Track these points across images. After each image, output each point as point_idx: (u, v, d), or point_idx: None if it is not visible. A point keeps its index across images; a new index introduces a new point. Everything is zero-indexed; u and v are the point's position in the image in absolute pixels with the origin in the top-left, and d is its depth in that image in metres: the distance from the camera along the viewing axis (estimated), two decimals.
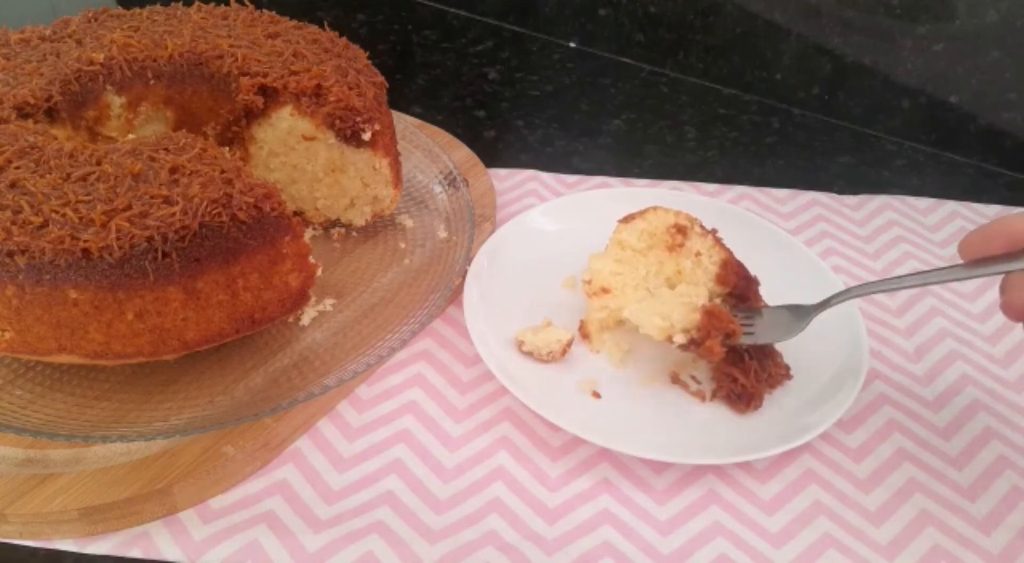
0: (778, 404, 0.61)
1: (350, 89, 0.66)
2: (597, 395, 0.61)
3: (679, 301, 0.60)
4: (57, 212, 0.52)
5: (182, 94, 0.69)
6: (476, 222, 0.73)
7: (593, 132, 0.94)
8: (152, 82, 0.68)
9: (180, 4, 0.75)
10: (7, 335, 0.53)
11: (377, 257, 0.72)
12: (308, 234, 0.73)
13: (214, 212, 0.53)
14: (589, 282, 0.65)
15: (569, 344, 0.63)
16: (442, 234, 0.73)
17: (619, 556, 0.53)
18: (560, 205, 0.76)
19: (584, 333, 0.65)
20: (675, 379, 0.62)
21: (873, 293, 0.59)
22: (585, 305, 0.65)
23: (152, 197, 0.53)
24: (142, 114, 0.69)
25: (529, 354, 0.63)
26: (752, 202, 0.83)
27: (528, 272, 0.71)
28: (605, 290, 0.64)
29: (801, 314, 0.61)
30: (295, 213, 0.73)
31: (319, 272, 0.61)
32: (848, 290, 0.60)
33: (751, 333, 0.60)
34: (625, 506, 0.56)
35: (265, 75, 0.66)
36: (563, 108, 0.98)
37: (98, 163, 0.56)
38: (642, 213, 0.65)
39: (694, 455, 0.56)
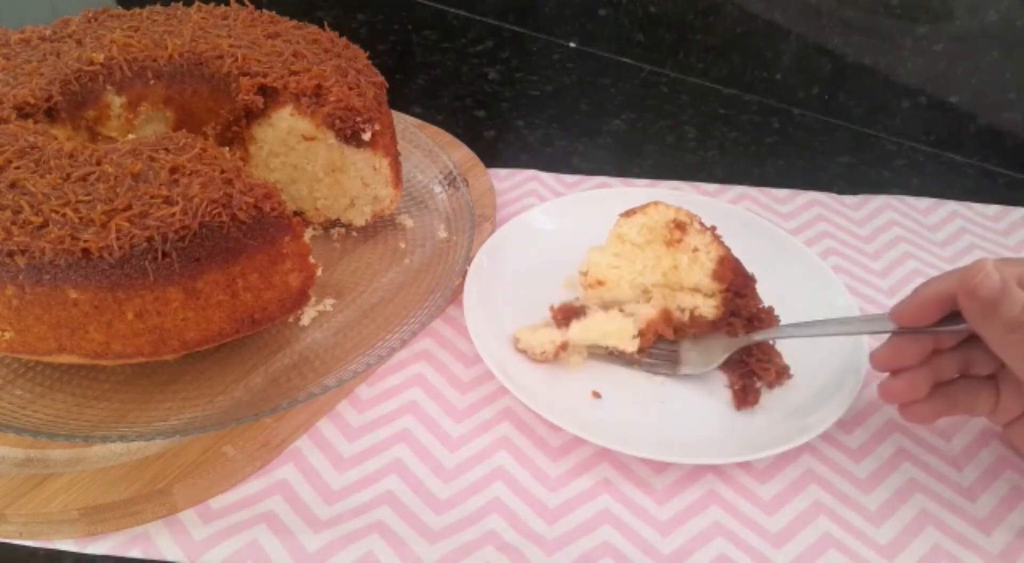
0: (778, 404, 0.61)
1: (350, 89, 0.66)
2: (597, 395, 0.61)
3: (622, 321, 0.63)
4: (57, 212, 0.52)
5: (182, 94, 0.69)
6: (476, 222, 0.73)
7: (593, 132, 0.94)
8: (152, 82, 0.68)
9: (180, 4, 0.75)
10: (7, 335, 0.53)
11: (377, 257, 0.72)
12: (308, 234, 0.73)
13: (214, 212, 0.53)
14: (586, 273, 0.65)
15: (563, 347, 0.63)
16: (442, 234, 0.73)
17: (619, 556, 0.53)
18: (560, 205, 0.76)
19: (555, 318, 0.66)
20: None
21: (792, 337, 0.61)
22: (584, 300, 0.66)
23: (152, 197, 0.53)
24: (142, 114, 0.69)
25: (523, 352, 0.63)
26: (752, 202, 0.83)
27: (528, 272, 0.71)
28: (600, 282, 0.64)
29: (725, 347, 0.63)
30: (295, 213, 0.73)
31: (319, 272, 0.61)
32: (768, 330, 0.62)
33: (675, 362, 0.63)
34: (625, 506, 0.56)
35: (265, 75, 0.66)
36: (563, 108, 0.98)
37: (98, 163, 0.56)
38: (643, 208, 0.65)
39: (694, 455, 0.56)
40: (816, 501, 0.56)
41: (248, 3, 0.76)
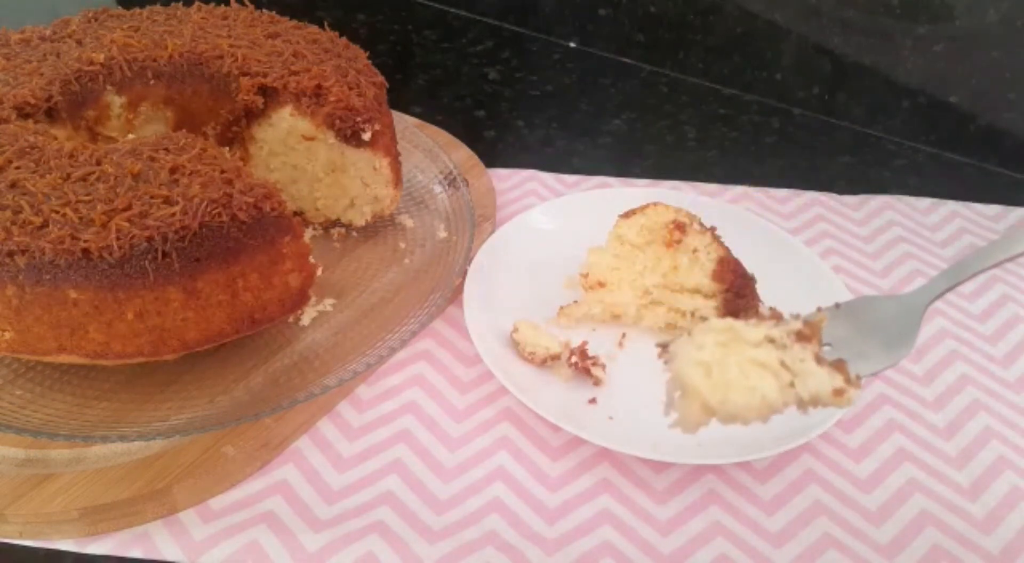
0: None
1: (350, 89, 0.66)
2: (595, 390, 0.61)
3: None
4: (57, 212, 0.52)
5: (182, 94, 0.69)
6: (476, 222, 0.73)
7: (593, 132, 0.94)
8: (152, 82, 0.68)
9: (180, 4, 0.75)
10: (7, 335, 0.53)
11: (377, 257, 0.72)
12: (308, 234, 0.73)
13: (214, 212, 0.53)
14: (586, 276, 0.65)
15: (553, 359, 0.62)
16: (442, 234, 0.73)
17: (619, 556, 0.53)
18: (560, 205, 0.76)
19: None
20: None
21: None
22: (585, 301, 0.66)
23: (152, 197, 0.53)
24: (142, 114, 0.69)
25: (516, 343, 0.63)
26: (752, 202, 0.83)
27: (528, 272, 0.71)
28: (601, 284, 0.64)
29: (904, 313, 0.41)
30: (295, 213, 0.73)
31: (319, 272, 0.61)
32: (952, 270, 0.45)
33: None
34: (625, 506, 0.55)
35: (265, 75, 0.66)
36: (563, 108, 0.98)
37: (98, 163, 0.56)
38: (642, 209, 0.65)
39: (694, 455, 0.56)
40: (816, 501, 0.56)
41: (248, 3, 0.76)
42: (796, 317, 0.38)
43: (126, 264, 0.51)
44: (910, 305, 0.41)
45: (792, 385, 0.36)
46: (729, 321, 0.38)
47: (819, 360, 0.37)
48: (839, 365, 0.36)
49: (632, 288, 0.65)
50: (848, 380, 0.36)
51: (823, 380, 0.36)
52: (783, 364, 0.37)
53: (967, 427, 0.61)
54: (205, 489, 0.54)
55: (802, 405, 0.37)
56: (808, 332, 0.37)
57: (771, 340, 0.37)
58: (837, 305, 0.42)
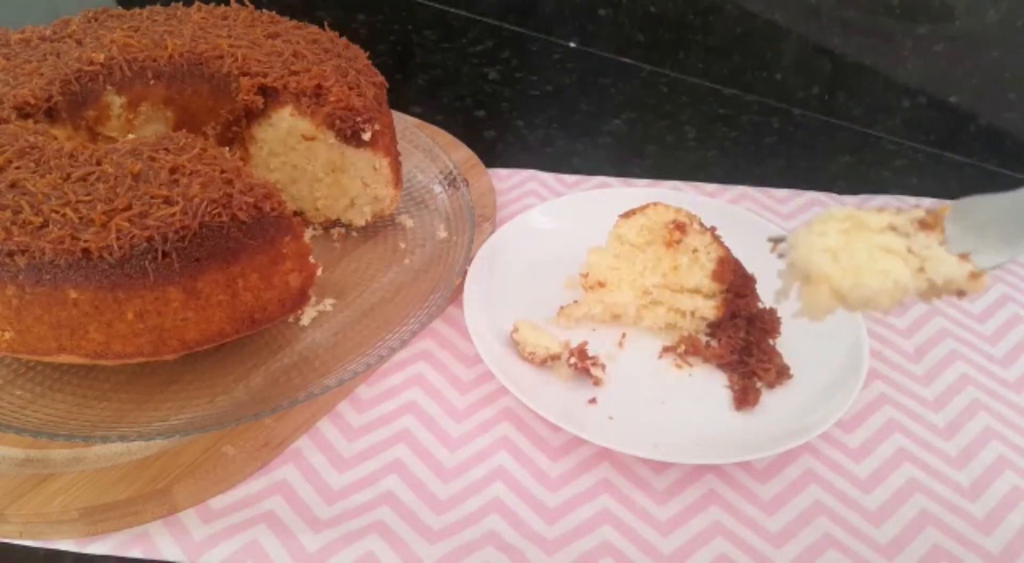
0: (778, 404, 0.61)
1: (350, 89, 0.66)
2: (594, 402, 0.61)
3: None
4: (57, 212, 0.52)
5: (182, 94, 0.69)
6: (476, 222, 0.73)
7: (593, 132, 0.94)
8: (152, 82, 0.68)
9: (180, 4, 0.75)
10: (7, 335, 0.53)
11: (377, 257, 0.72)
12: (308, 234, 0.73)
13: (214, 212, 0.53)
14: (586, 276, 0.65)
15: (553, 359, 0.62)
16: (442, 234, 0.73)
17: (619, 556, 0.53)
18: (560, 205, 0.76)
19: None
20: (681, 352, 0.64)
21: None
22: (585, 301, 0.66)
23: (152, 197, 0.53)
24: (142, 114, 0.69)
25: (516, 343, 0.63)
26: (752, 202, 0.83)
27: (528, 272, 0.71)
28: (601, 284, 0.64)
29: (1020, 206, 0.39)
30: (295, 213, 0.73)
31: (319, 272, 0.61)
32: None
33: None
34: (625, 506, 0.55)
35: (265, 75, 0.66)
36: (563, 108, 0.98)
37: (98, 163, 0.56)
38: (643, 209, 0.65)
39: (694, 455, 0.56)
40: (816, 501, 0.56)
41: (248, 3, 0.76)
42: (917, 206, 0.38)
43: (126, 264, 0.51)
44: None
45: (922, 270, 0.36)
46: (850, 210, 0.39)
47: (945, 248, 0.37)
48: (963, 256, 0.37)
49: (632, 288, 0.65)
50: (975, 268, 0.36)
51: (954, 265, 0.36)
52: (910, 251, 0.37)
53: (967, 427, 0.61)
54: (205, 489, 0.54)
55: (931, 292, 0.37)
56: (931, 221, 0.38)
57: (894, 228, 0.38)
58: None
